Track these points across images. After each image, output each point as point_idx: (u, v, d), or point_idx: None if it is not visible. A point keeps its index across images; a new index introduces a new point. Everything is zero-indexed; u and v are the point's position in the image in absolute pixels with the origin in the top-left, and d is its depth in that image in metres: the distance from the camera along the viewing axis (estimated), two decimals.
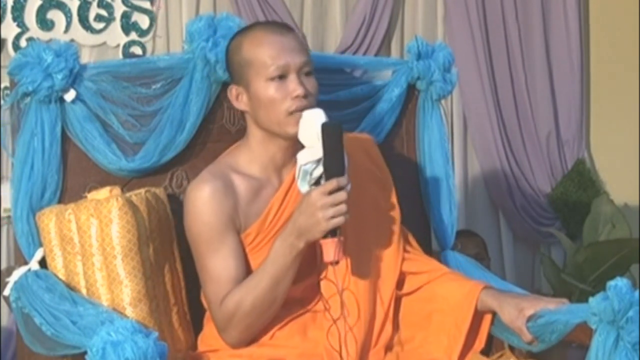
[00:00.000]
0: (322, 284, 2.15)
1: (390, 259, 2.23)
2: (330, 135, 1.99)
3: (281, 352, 2.15)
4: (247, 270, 2.15)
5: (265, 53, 2.13)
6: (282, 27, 2.21)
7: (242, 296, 2.09)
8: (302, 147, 2.08)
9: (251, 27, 2.24)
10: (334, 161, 2.00)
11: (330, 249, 2.02)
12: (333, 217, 1.99)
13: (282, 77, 2.12)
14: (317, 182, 2.03)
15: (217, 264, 2.12)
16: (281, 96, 2.12)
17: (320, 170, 2.02)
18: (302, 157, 2.04)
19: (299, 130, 2.07)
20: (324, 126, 2.00)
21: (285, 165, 2.21)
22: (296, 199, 2.15)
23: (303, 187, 2.05)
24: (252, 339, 2.15)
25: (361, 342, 2.16)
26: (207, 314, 2.26)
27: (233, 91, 2.20)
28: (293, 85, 2.12)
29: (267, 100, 2.13)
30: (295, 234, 2.04)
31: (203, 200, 2.12)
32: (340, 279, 2.13)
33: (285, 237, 2.06)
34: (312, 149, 2.03)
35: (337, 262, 2.05)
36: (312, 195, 2.01)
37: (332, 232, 2.01)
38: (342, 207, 2.00)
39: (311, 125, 2.04)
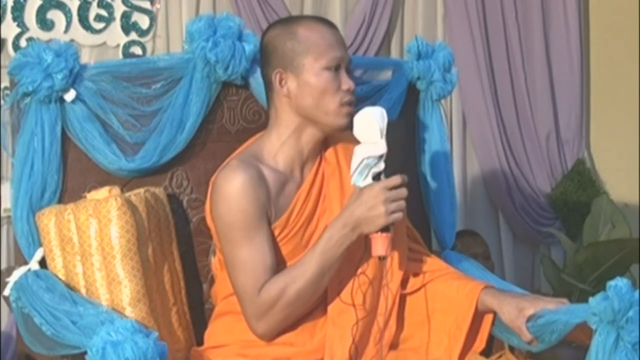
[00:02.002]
0: (360, 278, 2.15)
1: (396, 258, 2.23)
2: (397, 133, 2.05)
3: (288, 351, 2.15)
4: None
5: (324, 42, 2.15)
6: (330, 22, 2.24)
7: (287, 284, 2.09)
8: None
9: (298, 17, 2.30)
10: (399, 159, 2.05)
11: (381, 244, 2.05)
12: (393, 212, 2.03)
13: (336, 68, 2.15)
14: (375, 177, 2.06)
15: (253, 253, 2.10)
16: (334, 87, 2.14)
17: (381, 166, 2.06)
18: (363, 151, 2.06)
19: (356, 126, 2.09)
20: (392, 124, 2.05)
21: (308, 161, 2.21)
22: (317, 196, 2.18)
23: (359, 180, 2.07)
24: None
25: (370, 338, 2.18)
26: (217, 310, 2.26)
27: (278, 76, 2.17)
28: (345, 79, 2.16)
29: (320, 89, 2.14)
30: (351, 226, 2.06)
31: (238, 187, 2.10)
32: (386, 275, 2.15)
33: (339, 228, 2.07)
34: (374, 145, 2.05)
35: (385, 258, 2.08)
36: (374, 189, 2.04)
37: (384, 227, 2.05)
38: (403, 203, 2.05)
39: (373, 122, 2.06)
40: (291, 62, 2.15)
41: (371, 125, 2.06)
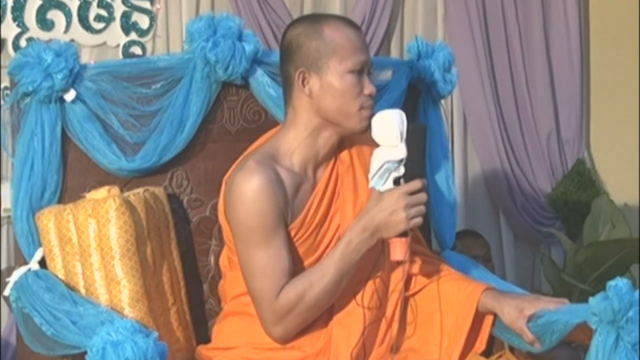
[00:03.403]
0: (376, 282, 2.16)
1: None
2: (417, 137, 2.03)
3: (296, 355, 2.14)
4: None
5: (350, 44, 2.13)
6: (357, 25, 2.22)
7: (306, 289, 2.08)
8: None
9: (324, 16, 2.25)
10: (417, 163, 2.03)
11: (400, 248, 2.06)
12: (414, 217, 2.04)
13: (360, 72, 2.13)
14: (395, 181, 2.06)
15: (271, 256, 2.09)
16: (357, 91, 2.13)
17: (401, 170, 2.06)
18: (383, 155, 2.06)
19: (375, 129, 2.08)
20: (412, 128, 2.05)
21: (322, 162, 2.20)
22: (332, 196, 2.17)
23: (379, 184, 2.07)
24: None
25: (375, 340, 2.18)
26: (226, 309, 2.25)
27: (301, 76, 2.15)
28: (367, 83, 2.14)
29: (342, 91, 2.12)
30: (371, 231, 2.06)
31: (257, 190, 2.08)
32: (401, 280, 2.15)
33: (359, 233, 2.07)
34: (394, 149, 2.05)
35: (403, 262, 2.09)
36: (395, 194, 2.04)
37: (402, 232, 2.06)
38: (423, 208, 2.06)
39: (393, 125, 2.06)
40: (315, 62, 2.13)
41: (391, 128, 2.06)
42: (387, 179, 2.06)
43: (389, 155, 2.05)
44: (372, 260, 2.15)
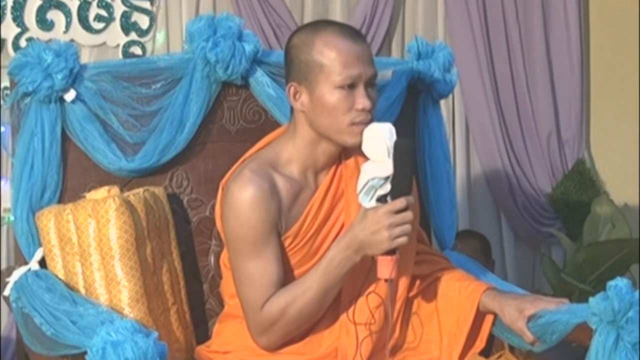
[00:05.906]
0: (369, 297, 2.12)
1: (404, 263, 2.21)
2: (404, 154, 1.99)
3: (298, 359, 2.14)
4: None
5: (338, 59, 2.07)
6: (356, 34, 2.14)
7: (289, 303, 2.07)
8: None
9: (323, 26, 2.15)
10: (403, 180, 2.00)
11: (386, 267, 2.02)
12: (398, 236, 2.00)
13: (350, 86, 2.08)
14: (380, 199, 2.02)
15: (260, 268, 2.08)
16: (347, 106, 2.07)
17: (387, 187, 2.01)
18: (369, 171, 2.02)
19: (364, 142, 2.05)
20: (398, 144, 1.99)
21: (323, 169, 2.17)
22: (331, 203, 2.15)
23: (365, 201, 2.03)
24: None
25: (377, 344, 2.17)
26: (226, 310, 2.24)
27: (292, 89, 2.12)
28: (360, 98, 2.07)
29: (331, 107, 2.07)
30: (354, 248, 2.03)
31: (249, 202, 2.07)
32: (391, 296, 2.12)
33: (342, 249, 2.05)
34: (381, 165, 2.01)
35: (391, 280, 2.05)
36: (379, 213, 1.99)
37: (390, 250, 2.01)
38: (408, 227, 2.00)
39: (380, 139, 2.01)
40: (305, 76, 2.09)
41: (379, 143, 2.01)
42: (372, 195, 2.02)
43: (375, 171, 2.01)
44: (365, 272, 2.13)
